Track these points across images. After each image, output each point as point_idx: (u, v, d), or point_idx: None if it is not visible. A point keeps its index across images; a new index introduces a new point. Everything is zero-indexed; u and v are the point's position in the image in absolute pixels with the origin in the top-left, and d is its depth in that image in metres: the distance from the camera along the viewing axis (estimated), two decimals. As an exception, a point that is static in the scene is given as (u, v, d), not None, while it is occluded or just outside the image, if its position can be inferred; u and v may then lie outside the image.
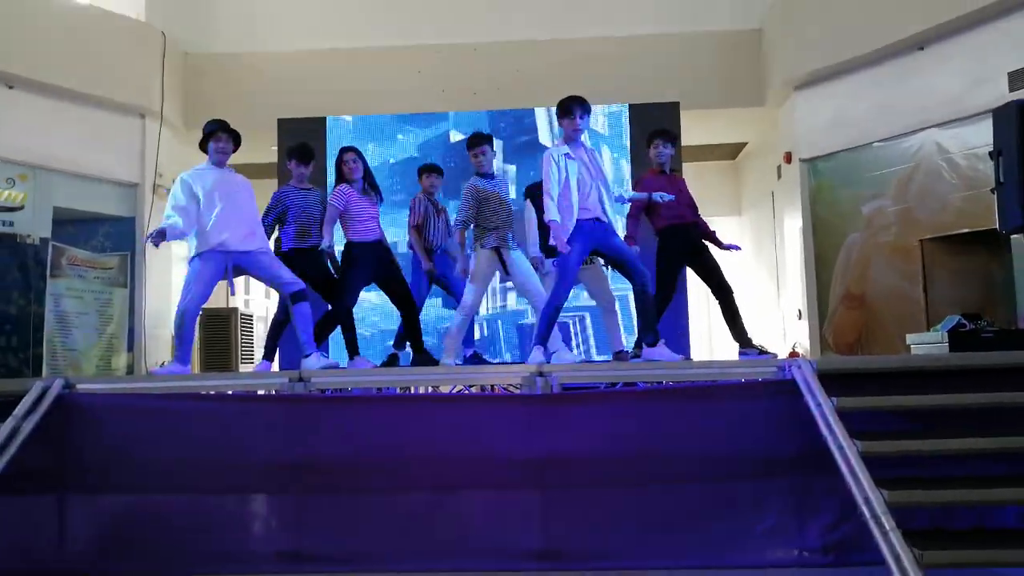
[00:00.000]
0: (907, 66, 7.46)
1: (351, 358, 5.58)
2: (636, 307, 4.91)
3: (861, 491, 3.05)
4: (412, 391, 5.17)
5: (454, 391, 5.18)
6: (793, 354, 8.13)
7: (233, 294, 5.25)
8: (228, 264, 4.81)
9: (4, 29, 7.54)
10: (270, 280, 5.03)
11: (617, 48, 9.03)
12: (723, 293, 5.40)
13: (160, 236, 4.67)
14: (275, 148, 8.78)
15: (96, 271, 8.14)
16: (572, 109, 4.86)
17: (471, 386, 5.15)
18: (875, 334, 7.73)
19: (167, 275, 8.93)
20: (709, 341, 11.84)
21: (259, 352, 8.58)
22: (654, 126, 8.54)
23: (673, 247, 5.44)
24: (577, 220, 4.79)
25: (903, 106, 7.47)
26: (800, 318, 8.63)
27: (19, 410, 3.56)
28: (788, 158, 8.70)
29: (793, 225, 8.77)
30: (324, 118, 8.91)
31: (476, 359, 5.93)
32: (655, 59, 9.01)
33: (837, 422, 3.30)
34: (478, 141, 5.57)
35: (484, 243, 5.42)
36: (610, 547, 3.55)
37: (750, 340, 5.31)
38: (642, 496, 3.62)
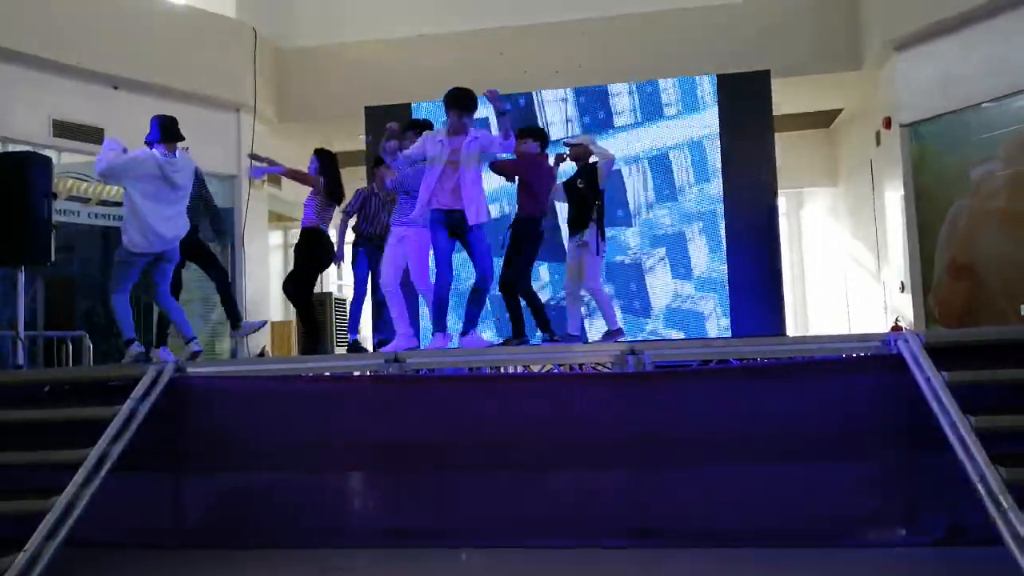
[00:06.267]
0: (1019, 20, 7.00)
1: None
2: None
3: (976, 468, 2.91)
4: (502, 371, 5.21)
5: (543, 371, 5.19)
6: (896, 328, 7.80)
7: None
8: None
9: (108, 34, 7.94)
10: None
11: (704, 17, 8.78)
12: None
13: None
14: (362, 136, 8.95)
15: (199, 261, 8.47)
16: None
17: (561, 365, 5.15)
18: (984, 305, 7.34)
19: (264, 262, 9.24)
20: (805, 316, 11.51)
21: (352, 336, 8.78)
22: (744, 96, 8.37)
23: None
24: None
25: (1014, 63, 7.02)
26: (903, 291, 8.27)
27: (136, 393, 3.75)
28: (888, 123, 8.32)
29: (894, 194, 8.38)
30: (409, 104, 9.02)
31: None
32: (744, 26, 8.72)
33: (948, 397, 3.15)
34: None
35: None
36: (710, 527, 3.50)
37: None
38: (742, 475, 3.54)
